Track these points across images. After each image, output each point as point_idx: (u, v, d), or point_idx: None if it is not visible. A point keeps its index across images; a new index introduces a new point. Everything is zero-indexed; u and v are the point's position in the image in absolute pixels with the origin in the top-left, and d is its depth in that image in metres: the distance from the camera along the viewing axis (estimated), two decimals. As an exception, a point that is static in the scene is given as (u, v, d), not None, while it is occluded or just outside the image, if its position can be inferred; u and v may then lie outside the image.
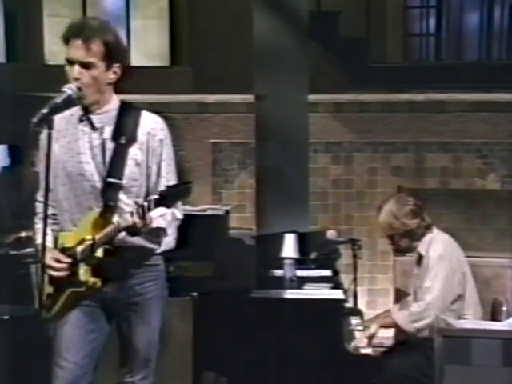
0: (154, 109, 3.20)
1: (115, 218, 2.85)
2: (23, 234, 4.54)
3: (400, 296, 4.83)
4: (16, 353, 4.17)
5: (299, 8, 5.89)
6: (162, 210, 2.86)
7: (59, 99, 2.85)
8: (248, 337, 3.82)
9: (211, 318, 3.87)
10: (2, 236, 4.71)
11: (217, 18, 7.58)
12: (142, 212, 2.79)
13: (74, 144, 2.96)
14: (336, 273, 4.63)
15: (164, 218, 2.92)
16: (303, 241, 4.64)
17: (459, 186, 7.20)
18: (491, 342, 3.39)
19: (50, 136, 2.75)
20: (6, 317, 4.32)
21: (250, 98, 6.38)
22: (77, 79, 2.87)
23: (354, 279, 4.75)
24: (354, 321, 4.25)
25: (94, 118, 2.95)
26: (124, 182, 2.92)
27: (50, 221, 2.96)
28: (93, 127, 2.95)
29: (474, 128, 7.16)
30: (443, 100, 7.19)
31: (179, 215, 3.02)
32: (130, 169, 2.93)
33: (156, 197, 2.76)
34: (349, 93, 7.31)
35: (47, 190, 2.78)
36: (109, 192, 2.91)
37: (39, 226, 2.92)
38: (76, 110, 3.00)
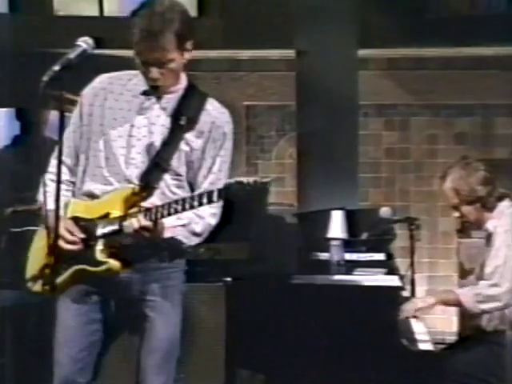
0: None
1: (151, 200, 2.89)
2: (20, 208, 4.58)
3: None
4: (25, 341, 4.25)
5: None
6: (190, 216, 2.94)
7: (72, 54, 2.87)
8: (288, 328, 3.84)
9: (246, 306, 3.89)
10: (3, 210, 4.77)
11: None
12: (155, 216, 2.82)
13: (127, 113, 3.01)
14: (390, 256, 4.63)
15: (188, 229, 2.96)
16: (352, 219, 4.64)
17: (534, 156, 7.16)
18: None
19: (61, 99, 2.78)
20: (13, 303, 4.40)
21: (289, 53, 6.36)
22: (156, 79, 2.95)
23: (411, 264, 4.74)
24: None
25: (162, 97, 3.03)
26: (173, 165, 2.98)
27: (63, 186, 3.00)
28: (158, 105, 3.02)
29: (553, 87, 7.09)
30: (516, 55, 7.12)
31: (213, 221, 3.04)
32: (182, 153, 2.99)
33: (223, 188, 2.75)
34: (405, 47, 7.25)
35: (60, 159, 2.82)
36: (152, 173, 2.97)
37: (50, 188, 2.93)
38: (135, 76, 3.05)
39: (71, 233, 2.95)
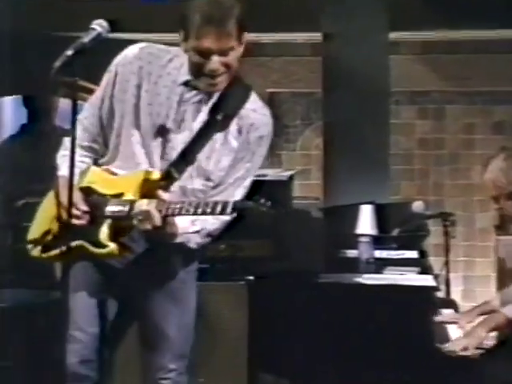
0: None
1: (164, 195, 2.89)
2: (32, 200, 4.62)
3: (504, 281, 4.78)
4: (35, 343, 4.29)
5: None
6: (204, 222, 2.95)
7: (87, 38, 2.87)
8: (314, 330, 3.84)
9: (270, 306, 3.90)
10: (13, 203, 4.81)
11: None
12: (166, 211, 2.82)
13: (166, 101, 3.00)
14: (423, 254, 4.61)
15: (202, 234, 2.98)
16: (382, 214, 4.63)
17: None
18: None
19: (74, 86, 2.77)
20: (18, 304, 4.44)
21: (316, 37, 6.36)
22: (216, 70, 2.92)
23: (446, 263, 4.74)
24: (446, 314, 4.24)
25: (209, 95, 3.00)
26: (205, 167, 2.98)
27: (83, 152, 3.02)
28: (200, 97, 2.99)
29: None
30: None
31: (228, 217, 3.05)
32: (219, 155, 2.98)
33: (239, 204, 2.76)
34: (439, 29, 7.22)
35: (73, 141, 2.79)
36: (179, 163, 2.96)
37: (66, 152, 2.91)
38: (175, 56, 3.02)
39: (76, 206, 2.92)
